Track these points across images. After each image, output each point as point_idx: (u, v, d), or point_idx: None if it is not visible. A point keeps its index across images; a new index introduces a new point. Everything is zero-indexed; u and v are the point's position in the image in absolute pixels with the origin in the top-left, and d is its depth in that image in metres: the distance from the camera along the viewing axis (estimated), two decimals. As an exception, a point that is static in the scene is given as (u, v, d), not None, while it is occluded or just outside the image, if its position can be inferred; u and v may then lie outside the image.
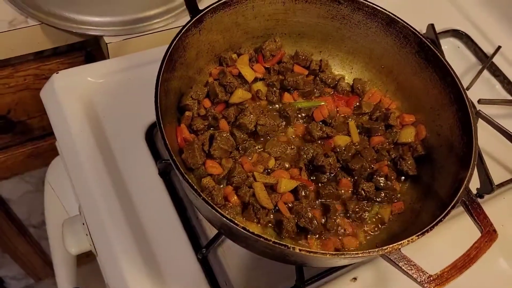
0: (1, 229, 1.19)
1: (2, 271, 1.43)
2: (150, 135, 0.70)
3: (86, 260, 0.85)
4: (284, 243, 0.45)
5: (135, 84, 0.73)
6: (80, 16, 0.77)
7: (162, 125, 0.50)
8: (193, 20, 0.59)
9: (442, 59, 0.63)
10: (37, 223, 1.27)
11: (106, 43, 0.77)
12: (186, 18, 0.82)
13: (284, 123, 0.67)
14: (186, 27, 0.58)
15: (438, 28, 0.89)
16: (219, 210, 0.46)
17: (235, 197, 0.59)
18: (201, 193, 0.47)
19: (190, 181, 0.48)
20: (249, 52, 0.71)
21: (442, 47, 0.88)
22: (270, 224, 0.58)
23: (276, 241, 0.44)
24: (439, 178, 0.61)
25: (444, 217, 0.51)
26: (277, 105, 0.69)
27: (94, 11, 0.77)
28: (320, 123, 0.67)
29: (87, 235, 0.65)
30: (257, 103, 0.68)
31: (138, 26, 0.79)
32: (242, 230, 0.45)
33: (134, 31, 0.79)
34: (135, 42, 0.79)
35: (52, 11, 0.76)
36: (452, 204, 0.51)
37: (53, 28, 0.76)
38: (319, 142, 0.66)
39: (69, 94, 0.71)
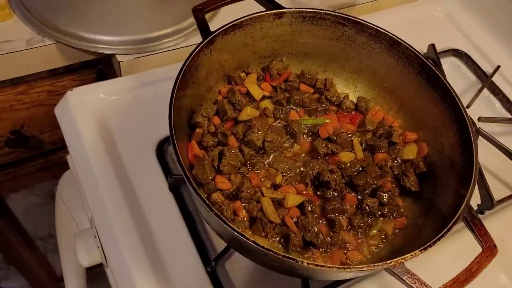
0: (8, 241, 1.20)
1: (8, 283, 1.45)
2: (161, 151, 0.72)
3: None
4: (293, 257, 0.46)
5: (146, 101, 0.76)
6: (94, 35, 0.79)
7: (175, 142, 0.53)
8: (205, 41, 0.62)
9: (443, 79, 0.66)
10: (44, 236, 1.28)
11: (119, 61, 0.80)
12: (195, 37, 0.86)
13: (290, 139, 0.70)
14: (198, 48, 0.61)
15: (439, 48, 0.92)
16: (230, 224, 0.48)
17: (244, 212, 0.61)
18: (212, 207, 0.49)
19: (202, 196, 0.50)
20: (257, 71, 0.74)
21: (443, 66, 0.90)
22: (277, 238, 0.60)
23: (285, 255, 0.46)
24: (441, 194, 0.63)
25: (446, 232, 0.52)
26: (283, 122, 0.71)
27: (107, 31, 0.80)
28: (325, 140, 0.70)
29: (98, 247, 0.67)
30: (265, 120, 0.70)
31: (149, 45, 0.82)
32: (252, 244, 0.47)
33: (146, 50, 0.82)
34: (146, 61, 0.82)
35: (68, 30, 0.79)
36: (453, 220, 0.53)
37: (68, 46, 0.79)
38: (325, 158, 0.69)
39: (82, 111, 0.73)
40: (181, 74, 0.57)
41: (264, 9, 0.69)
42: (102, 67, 0.91)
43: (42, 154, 1.01)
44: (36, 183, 1.10)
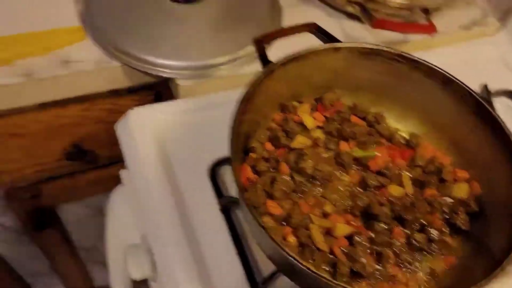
0: (56, 250, 1.26)
1: (50, 291, 1.50)
2: (213, 173, 0.75)
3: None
4: (344, 285, 0.47)
5: (202, 124, 0.79)
6: (156, 59, 0.84)
7: (235, 165, 0.55)
8: (266, 71, 0.65)
9: (498, 119, 0.66)
10: (88, 247, 1.33)
11: (178, 85, 0.84)
12: (250, 66, 0.90)
13: (340, 170, 0.71)
14: (259, 77, 0.64)
15: (491, 88, 0.92)
16: (285, 249, 0.49)
17: (293, 237, 0.62)
18: (267, 231, 0.51)
19: (258, 219, 0.52)
20: (310, 102, 0.76)
21: (494, 106, 0.90)
22: (324, 266, 0.61)
23: (339, 283, 0.47)
24: (493, 235, 0.62)
25: (497, 274, 0.52)
26: (334, 153, 0.72)
27: (170, 56, 0.85)
28: (375, 172, 0.71)
29: (149, 262, 0.69)
30: (316, 149, 0.72)
31: (207, 71, 0.86)
32: (306, 269, 0.48)
33: (203, 75, 0.86)
34: (203, 85, 0.86)
35: (133, 53, 0.84)
36: (505, 262, 0.53)
37: (132, 69, 0.84)
38: (374, 190, 0.69)
39: (142, 129, 0.77)
40: (243, 101, 0.60)
41: (320, 41, 0.72)
42: (160, 89, 0.96)
43: (96, 168, 1.06)
44: (87, 196, 1.16)
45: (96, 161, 1.03)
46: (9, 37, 0.81)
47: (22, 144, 0.92)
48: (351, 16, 1.02)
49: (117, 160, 1.05)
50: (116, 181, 0.95)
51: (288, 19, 0.99)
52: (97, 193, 1.15)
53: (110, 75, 0.86)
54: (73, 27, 0.86)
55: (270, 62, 0.67)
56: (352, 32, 1.00)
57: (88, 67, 0.83)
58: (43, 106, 0.88)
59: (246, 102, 0.61)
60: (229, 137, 0.57)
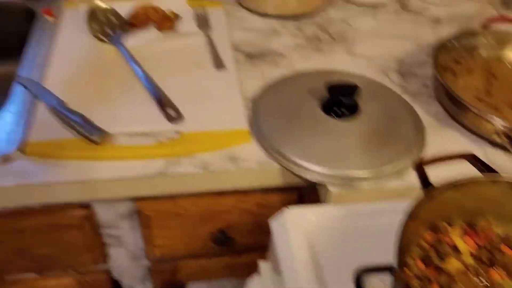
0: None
1: None
2: (359, 280, 0.79)
3: None
4: None
5: (349, 231, 0.84)
6: (311, 165, 0.94)
7: (402, 280, 0.59)
8: (428, 195, 0.70)
9: None
10: (200, 327, 1.38)
11: (328, 191, 0.92)
12: (392, 181, 0.96)
13: (493, 300, 0.71)
14: (423, 198, 0.69)
15: None
16: None
17: None
18: None
19: (426, 338, 0.54)
20: (460, 225, 0.79)
21: None
22: None
23: None
24: None
25: None
26: (485, 281, 0.73)
27: (323, 163, 0.94)
28: (530, 309, 0.69)
29: None
30: (467, 275, 0.73)
31: (353, 182, 0.94)
32: None
33: (349, 184, 0.94)
34: (350, 194, 0.93)
35: (290, 157, 0.95)
36: None
37: (288, 171, 0.95)
38: (529, 328, 0.68)
39: (295, 227, 0.85)
40: (409, 217, 0.66)
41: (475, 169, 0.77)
42: (303, 191, 1.05)
43: (233, 253, 1.15)
44: (215, 277, 1.24)
45: (234, 248, 1.12)
46: (194, 133, 0.97)
47: (180, 224, 1.05)
48: (492, 143, 1.06)
49: (251, 249, 1.13)
50: (247, 268, 1.01)
51: (431, 140, 1.06)
52: (225, 276, 1.23)
53: (267, 174, 0.97)
54: (242, 130, 1.01)
55: (430, 184, 0.72)
56: (496, 160, 1.03)
57: (250, 165, 0.95)
58: (204, 193, 1.00)
59: (411, 219, 0.66)
60: (396, 252, 0.62)
